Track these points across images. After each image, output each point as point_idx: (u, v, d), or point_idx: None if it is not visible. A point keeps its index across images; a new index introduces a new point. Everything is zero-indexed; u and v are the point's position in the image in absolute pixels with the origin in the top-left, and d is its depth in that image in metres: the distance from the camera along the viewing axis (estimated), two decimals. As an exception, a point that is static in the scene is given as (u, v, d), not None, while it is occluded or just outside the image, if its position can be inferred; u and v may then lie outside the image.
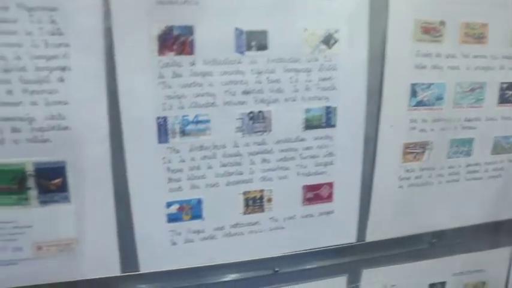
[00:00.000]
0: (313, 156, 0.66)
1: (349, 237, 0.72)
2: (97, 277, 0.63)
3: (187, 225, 0.64)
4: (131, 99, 0.58)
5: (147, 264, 0.64)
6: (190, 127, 0.60)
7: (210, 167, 0.63)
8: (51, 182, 0.59)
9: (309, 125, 0.65)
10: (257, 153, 0.64)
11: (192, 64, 0.59)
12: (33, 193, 0.59)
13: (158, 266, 0.65)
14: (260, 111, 0.62)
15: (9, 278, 0.61)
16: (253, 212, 0.66)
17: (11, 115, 0.55)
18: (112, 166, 0.59)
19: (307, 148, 0.66)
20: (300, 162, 0.66)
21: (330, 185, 0.69)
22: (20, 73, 0.55)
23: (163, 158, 0.61)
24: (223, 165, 0.63)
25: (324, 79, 0.64)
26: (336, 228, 0.71)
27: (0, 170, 0.57)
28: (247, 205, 0.66)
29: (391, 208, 0.72)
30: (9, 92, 0.55)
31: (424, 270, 0.78)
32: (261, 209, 0.66)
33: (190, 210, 0.63)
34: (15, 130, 0.56)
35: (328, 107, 0.65)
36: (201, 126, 0.61)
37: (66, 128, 0.57)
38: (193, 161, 0.62)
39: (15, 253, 0.60)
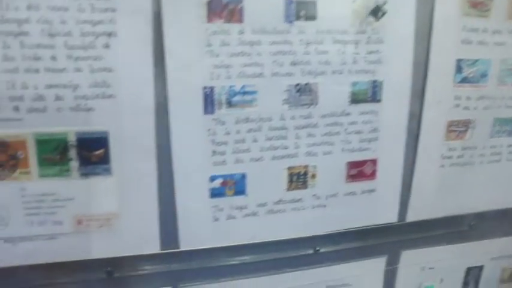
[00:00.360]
0: (358, 132, 0.65)
1: (391, 216, 0.71)
2: (136, 254, 0.61)
3: (230, 201, 0.62)
4: (178, 67, 0.56)
5: (188, 241, 0.62)
6: (236, 98, 0.59)
7: (255, 141, 0.61)
8: (93, 153, 0.57)
9: (355, 99, 0.64)
10: (303, 127, 0.62)
11: (241, 33, 0.57)
12: (74, 164, 0.57)
13: (199, 244, 0.63)
14: (307, 84, 0.61)
15: (48, 253, 0.58)
16: (296, 188, 0.64)
17: (55, 82, 0.53)
18: (156, 137, 0.58)
19: (352, 123, 0.64)
20: (344, 137, 0.64)
21: (374, 162, 0.67)
22: (65, 38, 0.53)
23: (209, 129, 0.59)
24: (269, 139, 0.61)
25: (370, 52, 0.62)
26: (377, 207, 0.69)
27: (43, 139, 0.55)
28: (291, 181, 0.64)
29: (432, 188, 0.71)
30: (54, 58, 0.53)
31: (462, 253, 0.77)
32: (304, 185, 0.65)
33: (234, 185, 0.62)
34: (58, 98, 0.54)
35: (374, 81, 0.64)
36: (247, 97, 0.59)
37: (110, 96, 0.55)
38: (239, 134, 0.60)
39: (55, 227, 0.58)
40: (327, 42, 0.60)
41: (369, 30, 0.62)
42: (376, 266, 0.72)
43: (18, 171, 0.56)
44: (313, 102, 0.62)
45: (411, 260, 0.74)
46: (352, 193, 0.67)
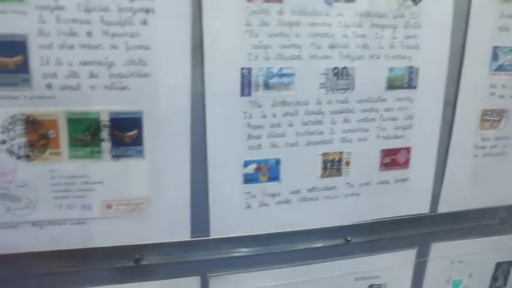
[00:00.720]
0: (393, 119, 0.63)
1: (422, 207, 0.69)
2: (165, 241, 0.59)
3: (263, 188, 0.60)
4: (216, 47, 0.54)
5: (218, 229, 0.60)
6: (274, 80, 0.57)
7: (291, 125, 0.59)
8: (126, 134, 0.55)
9: (391, 85, 0.62)
10: (339, 112, 0.61)
11: (280, 13, 0.56)
12: (106, 146, 0.55)
13: (229, 232, 0.61)
14: (344, 67, 0.59)
15: (75, 239, 0.56)
16: (330, 175, 0.63)
17: (89, 59, 0.52)
18: (191, 119, 0.56)
19: (388, 109, 0.63)
20: (380, 124, 0.63)
21: (408, 150, 0.66)
22: (102, 13, 0.51)
23: (245, 112, 0.57)
24: (305, 124, 0.60)
25: (408, 37, 0.61)
26: (410, 197, 0.67)
27: (75, 118, 0.53)
28: (325, 168, 0.62)
29: (464, 178, 0.69)
30: (89, 34, 0.51)
31: (492, 247, 0.75)
32: (338, 172, 0.63)
33: (268, 171, 0.60)
34: (92, 75, 0.52)
35: (410, 67, 0.62)
36: (285, 80, 0.58)
37: (146, 75, 0.53)
38: (275, 118, 0.58)
39: (84, 211, 0.56)
40: (365, 25, 0.59)
41: (407, 15, 0.60)
42: (406, 258, 0.71)
43: (48, 151, 0.54)
44: (349, 87, 0.61)
45: (441, 252, 0.72)
46: (385, 182, 0.66)
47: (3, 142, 0.52)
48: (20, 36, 0.50)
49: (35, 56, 0.50)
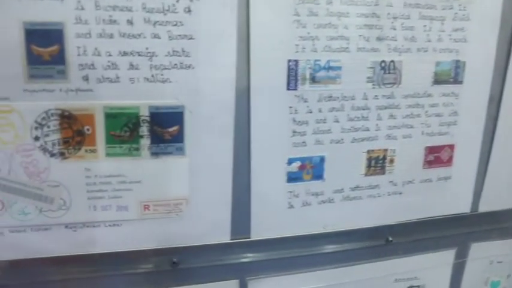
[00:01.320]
0: (438, 115, 0.61)
1: (464, 206, 0.67)
2: (204, 243, 0.56)
3: (306, 186, 0.58)
4: (263, 37, 0.51)
5: (259, 230, 0.57)
6: (321, 73, 0.54)
7: (336, 121, 0.57)
8: (167, 129, 0.51)
9: (437, 79, 0.60)
10: (385, 107, 0.58)
11: (329, 3, 0.53)
12: (145, 142, 0.51)
13: (270, 233, 0.58)
14: (392, 61, 0.57)
15: (110, 242, 0.53)
16: (374, 173, 0.60)
17: (129, 49, 0.48)
18: (235, 113, 0.53)
19: (433, 105, 0.60)
20: (424, 120, 0.61)
21: (451, 147, 0.64)
22: (144, 0, 0.47)
23: (290, 107, 0.54)
24: (350, 119, 0.57)
25: (456, 30, 0.59)
26: (452, 196, 0.65)
27: (113, 113, 0.49)
28: (369, 166, 0.60)
29: (507, 177, 0.67)
30: (130, 22, 0.47)
31: (530, 246, 0.74)
32: (382, 170, 0.61)
33: (312, 169, 0.57)
34: (132, 67, 0.49)
35: (457, 61, 0.60)
36: (332, 73, 0.55)
37: (189, 66, 0.50)
38: (321, 113, 0.56)
39: (120, 213, 0.53)
40: (414, 17, 0.56)
41: (456, 6, 0.58)
42: (445, 258, 0.69)
43: (83, 149, 0.50)
44: (396, 82, 0.58)
45: (480, 253, 0.70)
46: (428, 180, 0.64)
47: (37, 139, 0.49)
48: (56, 24, 0.46)
49: (72, 46, 0.47)
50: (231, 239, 0.57)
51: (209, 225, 0.56)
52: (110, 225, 0.53)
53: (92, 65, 0.48)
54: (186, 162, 0.53)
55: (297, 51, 0.53)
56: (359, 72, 0.56)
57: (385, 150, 0.60)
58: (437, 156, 0.63)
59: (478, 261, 0.71)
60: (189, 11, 0.49)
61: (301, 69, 0.53)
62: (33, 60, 0.46)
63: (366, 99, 0.57)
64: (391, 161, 0.61)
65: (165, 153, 0.52)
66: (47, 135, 0.49)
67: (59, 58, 0.47)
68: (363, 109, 0.57)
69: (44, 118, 0.48)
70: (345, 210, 0.60)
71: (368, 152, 0.59)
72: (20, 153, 0.49)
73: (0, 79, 0.46)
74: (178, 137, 0.52)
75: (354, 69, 0.55)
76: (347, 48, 0.54)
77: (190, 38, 0.49)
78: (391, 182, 0.61)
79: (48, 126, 0.49)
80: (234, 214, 0.56)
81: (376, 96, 0.57)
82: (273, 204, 0.57)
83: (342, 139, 0.57)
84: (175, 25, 0.49)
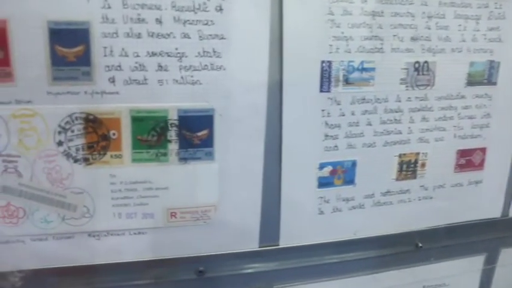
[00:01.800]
0: (470, 117, 0.59)
1: (494, 211, 0.65)
2: (231, 251, 0.54)
3: (337, 192, 0.56)
4: (296, 37, 0.49)
5: (288, 237, 0.55)
6: (354, 75, 0.52)
7: (369, 124, 0.55)
8: (196, 134, 0.49)
9: (471, 80, 0.58)
10: (418, 110, 0.56)
11: (364, 1, 0.51)
12: (173, 147, 0.49)
13: (300, 240, 0.56)
14: (426, 62, 0.55)
15: (134, 250, 0.51)
16: (405, 178, 0.58)
17: (158, 49, 0.46)
18: (267, 117, 0.51)
19: (466, 107, 0.59)
20: (457, 122, 0.59)
21: (483, 150, 0.62)
22: (173, -3, 0.46)
23: (323, 110, 0.52)
24: (383, 122, 0.55)
25: (491, 29, 0.57)
26: (483, 200, 0.63)
27: (140, 116, 0.47)
28: (400, 170, 0.58)
29: (537, 180, 0.66)
30: (159, 21, 0.45)
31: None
32: (413, 175, 0.59)
33: (343, 173, 0.55)
34: (161, 68, 0.46)
35: (491, 62, 0.58)
36: (365, 74, 0.53)
37: (220, 68, 0.48)
38: (353, 116, 0.53)
39: (145, 220, 0.50)
40: (448, 16, 0.54)
41: (492, 5, 0.56)
42: (474, 264, 0.67)
43: (108, 154, 0.48)
44: (429, 83, 0.56)
45: (510, 259, 0.69)
46: (459, 184, 0.62)
47: (60, 144, 0.46)
48: (81, 24, 0.44)
49: (98, 46, 0.44)
50: (259, 247, 0.55)
51: (237, 233, 0.54)
52: (134, 234, 0.50)
53: (119, 66, 0.45)
54: (215, 168, 0.51)
55: (330, 52, 0.50)
56: (392, 73, 0.54)
57: (417, 154, 0.58)
58: (468, 159, 0.61)
59: (508, 268, 0.69)
60: (221, 9, 0.47)
61: (334, 70, 0.51)
62: (57, 61, 0.44)
63: (399, 101, 0.55)
64: (423, 165, 0.59)
65: (194, 158, 0.50)
66: (70, 140, 0.46)
67: (84, 59, 0.45)
68: (396, 112, 0.55)
69: (67, 122, 0.46)
70: (375, 216, 0.58)
71: (400, 155, 0.57)
72: (43, 158, 0.46)
73: (23, 82, 0.44)
74: (208, 142, 0.50)
75: (387, 71, 0.53)
76: (381, 48, 0.52)
77: (222, 38, 0.47)
78: (422, 186, 0.60)
79: (72, 131, 0.46)
80: (263, 221, 0.54)
81: (409, 98, 0.55)
82: (303, 210, 0.55)
83: (374, 143, 0.55)
84: (206, 24, 0.47)
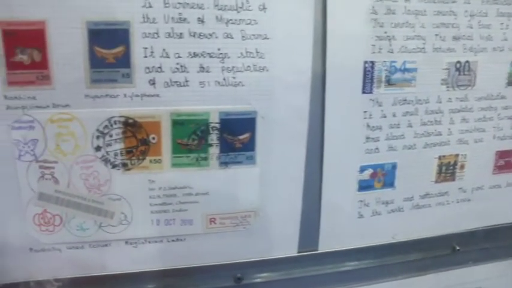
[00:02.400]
0: (510, 118, 0.58)
1: (532, 212, 0.65)
2: (270, 257, 0.53)
3: (377, 195, 0.54)
4: (339, 37, 0.47)
5: (327, 242, 0.54)
6: (396, 76, 0.51)
7: (409, 125, 0.53)
8: (237, 137, 0.48)
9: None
10: (458, 110, 0.55)
11: (407, 0, 0.50)
12: (214, 151, 0.47)
13: (339, 244, 0.55)
14: (467, 62, 0.54)
15: (172, 258, 0.49)
16: (444, 180, 0.57)
17: (200, 50, 0.44)
18: (309, 119, 0.49)
19: (506, 108, 0.57)
20: (496, 123, 0.57)
21: (522, 151, 0.61)
22: (217, -4, 0.44)
23: (365, 111, 0.51)
24: (423, 124, 0.54)
25: (532, 27, 0.56)
26: (520, 202, 0.63)
27: (181, 119, 0.46)
28: (439, 172, 0.57)
29: None
30: (201, 20, 0.44)
31: None
32: (452, 177, 0.57)
33: (383, 176, 0.54)
34: (203, 69, 0.45)
35: (532, 61, 0.58)
36: (407, 75, 0.51)
37: (263, 69, 0.46)
38: (394, 118, 0.52)
39: (184, 227, 0.49)
40: (491, 14, 0.53)
41: (534, 2, 0.55)
42: (509, 268, 0.66)
43: (148, 159, 0.46)
44: (470, 83, 0.55)
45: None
46: (497, 186, 0.61)
47: (98, 149, 0.45)
48: (121, 24, 0.42)
49: (138, 47, 0.43)
50: (298, 252, 0.53)
51: (277, 239, 0.52)
52: (173, 240, 0.49)
53: (160, 67, 0.44)
54: (256, 172, 0.49)
55: (373, 52, 0.49)
56: (434, 73, 0.53)
57: (457, 155, 0.57)
58: (507, 160, 0.59)
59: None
60: (264, 8, 0.45)
61: (377, 71, 0.50)
62: (96, 63, 0.42)
63: (440, 102, 0.54)
64: (462, 166, 0.57)
65: (235, 162, 0.48)
66: (109, 145, 0.45)
67: (124, 60, 0.43)
68: (436, 113, 0.54)
69: (106, 126, 0.44)
70: (413, 219, 0.57)
71: (439, 157, 0.56)
72: (80, 164, 0.45)
73: (61, 84, 0.42)
74: (249, 145, 0.48)
75: (428, 71, 0.52)
76: (423, 48, 0.51)
77: (265, 38, 0.46)
78: (460, 188, 0.58)
79: (111, 135, 0.45)
80: (302, 226, 0.52)
81: (449, 99, 0.54)
82: (342, 214, 0.53)
83: (414, 144, 0.54)
84: (249, 24, 0.45)
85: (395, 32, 0.50)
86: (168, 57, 0.44)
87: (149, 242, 0.48)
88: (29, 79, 0.41)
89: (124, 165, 0.46)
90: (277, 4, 0.45)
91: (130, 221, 0.47)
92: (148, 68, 0.44)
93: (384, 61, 0.50)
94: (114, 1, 0.42)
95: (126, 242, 0.48)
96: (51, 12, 0.40)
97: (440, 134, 0.55)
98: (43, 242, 0.46)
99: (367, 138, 0.52)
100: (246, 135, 0.48)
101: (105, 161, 0.45)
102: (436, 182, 0.57)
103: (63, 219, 0.46)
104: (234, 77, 0.46)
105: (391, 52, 0.50)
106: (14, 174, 0.43)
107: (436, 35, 0.51)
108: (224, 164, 0.48)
